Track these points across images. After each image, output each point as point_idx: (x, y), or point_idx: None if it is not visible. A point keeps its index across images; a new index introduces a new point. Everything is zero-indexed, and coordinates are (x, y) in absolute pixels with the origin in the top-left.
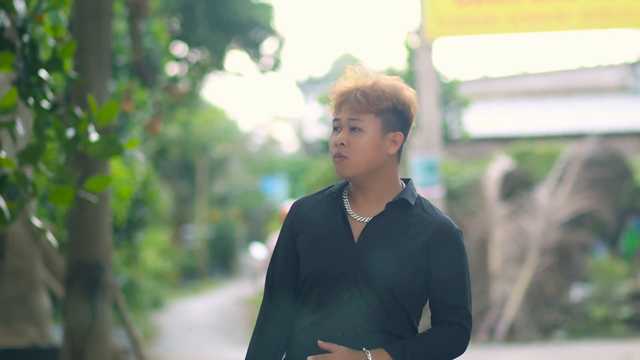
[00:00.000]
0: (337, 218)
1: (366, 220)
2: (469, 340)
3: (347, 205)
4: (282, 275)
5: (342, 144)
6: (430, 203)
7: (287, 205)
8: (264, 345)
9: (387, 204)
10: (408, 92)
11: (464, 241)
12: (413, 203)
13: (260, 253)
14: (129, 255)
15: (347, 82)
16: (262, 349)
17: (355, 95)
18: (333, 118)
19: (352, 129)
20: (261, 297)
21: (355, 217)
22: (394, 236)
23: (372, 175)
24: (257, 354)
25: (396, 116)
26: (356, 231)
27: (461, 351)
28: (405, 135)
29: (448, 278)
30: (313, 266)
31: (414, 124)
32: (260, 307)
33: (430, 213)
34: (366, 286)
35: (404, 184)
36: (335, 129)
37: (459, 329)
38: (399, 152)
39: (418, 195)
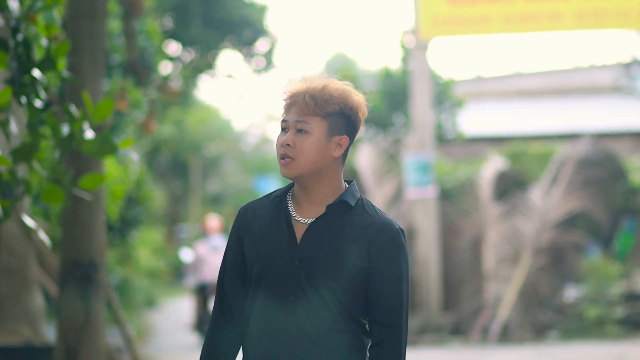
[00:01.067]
0: (281, 220)
1: (308, 221)
2: (405, 342)
3: (290, 208)
4: (231, 280)
5: (288, 144)
6: (372, 204)
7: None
8: (217, 351)
9: (328, 206)
10: (357, 97)
11: (405, 240)
12: (353, 204)
13: (188, 257)
14: (123, 254)
15: (298, 85)
16: (215, 354)
17: (304, 97)
18: (281, 119)
19: (299, 130)
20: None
21: (299, 219)
22: (334, 237)
23: (316, 177)
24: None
25: (343, 120)
26: (299, 233)
27: (403, 353)
28: (352, 139)
29: (385, 278)
30: (258, 269)
31: (361, 129)
32: (212, 312)
33: (371, 214)
34: (309, 286)
35: (347, 185)
36: (282, 129)
37: (390, 336)
38: (344, 155)
39: (360, 196)
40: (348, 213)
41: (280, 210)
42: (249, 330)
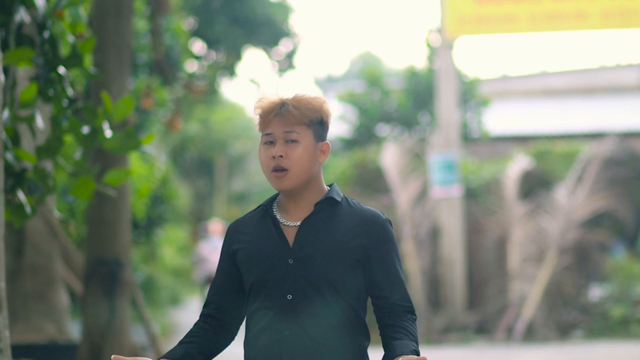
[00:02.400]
0: (270, 228)
1: (298, 224)
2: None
3: (277, 215)
4: (221, 293)
5: (281, 155)
6: (355, 200)
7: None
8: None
9: (316, 204)
10: (328, 105)
11: (392, 229)
12: (339, 200)
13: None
14: (148, 252)
15: (271, 98)
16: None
17: (288, 108)
18: (264, 133)
19: (288, 141)
20: None
21: (288, 224)
22: (326, 233)
23: (306, 184)
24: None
25: (322, 127)
26: (290, 236)
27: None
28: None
29: (383, 269)
30: (254, 276)
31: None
32: (200, 314)
33: (357, 207)
34: (308, 284)
35: (329, 188)
36: (267, 143)
37: (411, 319)
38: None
39: (343, 195)
40: (335, 210)
41: (268, 219)
42: (250, 334)
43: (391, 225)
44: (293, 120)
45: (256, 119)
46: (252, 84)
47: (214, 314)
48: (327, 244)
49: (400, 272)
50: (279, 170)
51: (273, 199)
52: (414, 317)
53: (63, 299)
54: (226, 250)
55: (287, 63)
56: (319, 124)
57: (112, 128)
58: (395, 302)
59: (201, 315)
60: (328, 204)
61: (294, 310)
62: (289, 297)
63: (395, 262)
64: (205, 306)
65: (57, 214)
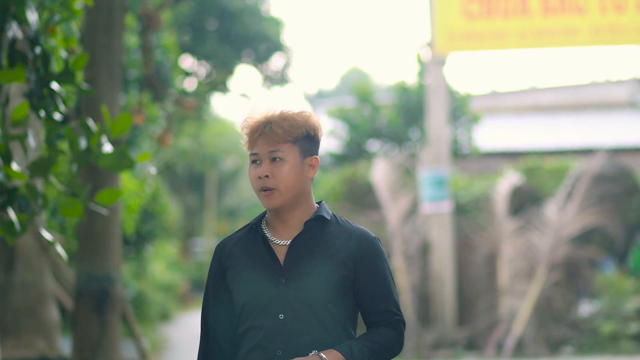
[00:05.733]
0: (260, 246)
1: (288, 242)
2: (403, 341)
3: (267, 234)
4: (215, 315)
5: (267, 176)
6: (344, 218)
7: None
8: None
9: (305, 223)
10: (315, 118)
11: (382, 246)
12: (329, 218)
13: None
14: (138, 268)
15: (256, 117)
16: None
17: (271, 127)
18: (250, 152)
19: (273, 159)
20: None
21: (278, 242)
22: (316, 251)
23: (295, 201)
24: None
25: (309, 141)
26: (281, 254)
27: (399, 350)
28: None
29: (376, 285)
30: (246, 296)
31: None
32: (199, 350)
33: (346, 226)
34: (300, 303)
35: (318, 205)
36: (253, 162)
37: (394, 330)
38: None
39: (332, 213)
40: (325, 228)
41: (258, 238)
42: (240, 356)
43: (380, 243)
44: (277, 139)
45: (244, 137)
46: (242, 99)
47: (221, 342)
48: (318, 263)
49: (392, 287)
50: (265, 190)
51: (261, 217)
52: (398, 327)
53: (54, 314)
54: (216, 267)
55: (280, 77)
56: (305, 139)
57: (110, 143)
58: (382, 314)
59: (210, 348)
60: (317, 223)
61: (286, 329)
62: (281, 316)
63: (386, 277)
64: (207, 337)
65: (46, 234)
